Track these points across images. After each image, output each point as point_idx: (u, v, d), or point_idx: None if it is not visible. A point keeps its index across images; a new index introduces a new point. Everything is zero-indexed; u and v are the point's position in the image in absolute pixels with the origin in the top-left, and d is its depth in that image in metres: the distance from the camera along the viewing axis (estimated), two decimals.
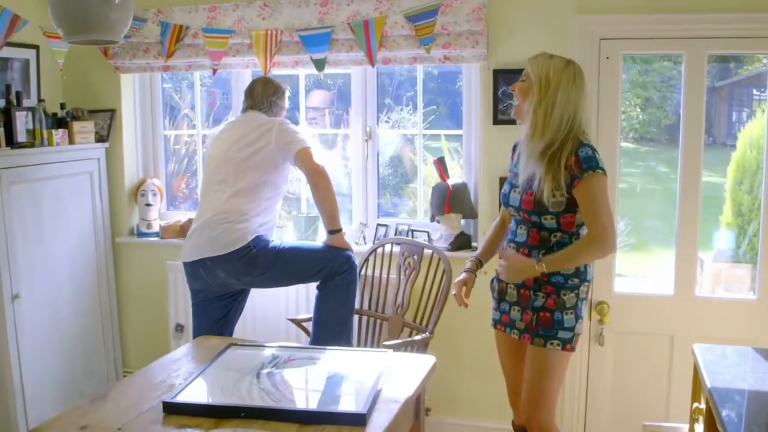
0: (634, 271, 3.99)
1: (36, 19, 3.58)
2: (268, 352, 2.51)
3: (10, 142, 3.36)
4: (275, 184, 3.19)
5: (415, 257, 3.41)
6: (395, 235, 3.70)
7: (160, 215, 4.14)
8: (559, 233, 2.46)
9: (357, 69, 3.73)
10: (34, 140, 3.50)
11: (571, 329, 2.48)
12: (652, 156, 4.12)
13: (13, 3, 3.38)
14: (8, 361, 3.34)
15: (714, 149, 3.78)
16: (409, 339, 3.20)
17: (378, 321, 3.52)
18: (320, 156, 3.29)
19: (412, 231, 3.67)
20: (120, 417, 2.04)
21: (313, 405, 2.13)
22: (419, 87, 3.74)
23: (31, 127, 3.48)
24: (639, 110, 4.01)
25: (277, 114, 3.34)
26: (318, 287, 3.21)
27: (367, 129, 3.79)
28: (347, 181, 3.97)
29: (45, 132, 3.54)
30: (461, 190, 3.53)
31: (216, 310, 3.25)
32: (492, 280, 2.72)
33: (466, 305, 2.70)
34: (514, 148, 2.72)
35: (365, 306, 3.57)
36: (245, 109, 3.35)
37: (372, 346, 3.47)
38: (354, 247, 3.36)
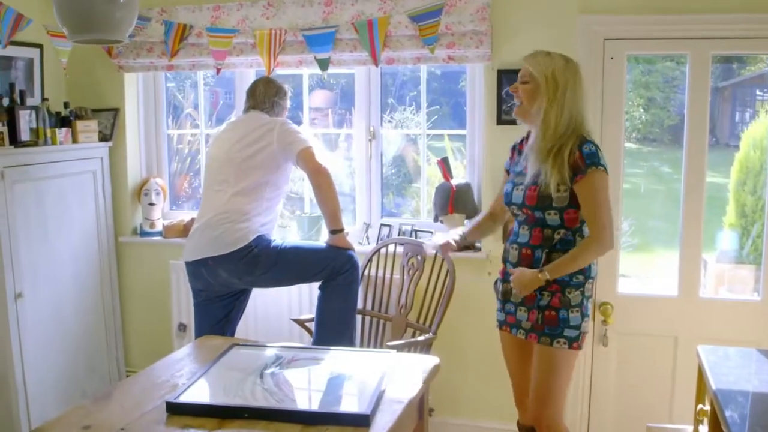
0: (637, 271, 3.98)
1: (40, 18, 3.58)
2: (271, 353, 2.51)
3: (14, 140, 3.36)
4: (277, 184, 3.19)
5: (419, 257, 3.41)
6: (399, 235, 3.70)
7: (163, 214, 4.14)
8: (562, 230, 2.46)
9: (361, 69, 3.73)
10: (37, 139, 3.50)
11: (577, 327, 2.48)
12: (655, 156, 4.11)
13: (17, 2, 3.38)
14: (11, 359, 3.34)
15: (717, 150, 3.78)
16: (413, 339, 3.19)
17: (381, 321, 3.51)
18: (322, 156, 3.29)
19: (416, 231, 3.67)
20: (123, 417, 2.04)
21: (316, 406, 2.13)
22: (423, 87, 3.74)
23: (34, 125, 3.48)
24: (642, 110, 4.01)
25: (279, 114, 3.34)
26: (320, 287, 3.21)
27: (371, 129, 3.78)
28: (350, 181, 3.97)
29: (48, 131, 3.55)
30: (465, 190, 3.52)
31: (218, 309, 3.25)
32: (496, 282, 2.72)
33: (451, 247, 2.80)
34: (513, 148, 2.72)
35: (368, 306, 3.56)
36: (247, 109, 3.35)
37: (375, 347, 3.47)
38: (357, 248, 3.36)
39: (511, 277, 2.53)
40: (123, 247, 4.14)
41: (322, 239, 3.60)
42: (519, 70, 2.54)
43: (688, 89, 3.20)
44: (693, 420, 2.48)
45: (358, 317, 3.42)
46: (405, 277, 3.44)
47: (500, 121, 3.39)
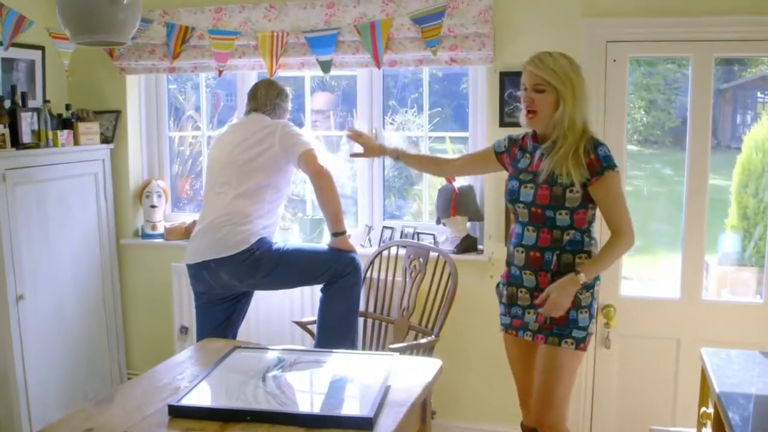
0: (640, 274, 3.97)
1: (42, 20, 3.59)
2: (273, 355, 2.50)
3: (16, 142, 3.36)
4: (278, 187, 3.19)
5: (421, 260, 3.40)
6: (401, 237, 3.70)
7: (164, 217, 4.14)
8: (572, 230, 2.46)
9: (363, 71, 3.73)
10: (39, 141, 3.50)
11: (585, 328, 2.48)
12: (656, 159, 4.11)
13: (19, 4, 3.39)
14: (12, 361, 3.34)
15: (719, 152, 3.77)
16: (415, 342, 3.18)
17: (383, 324, 3.51)
18: (324, 158, 3.28)
19: (418, 234, 3.66)
20: (125, 420, 2.03)
21: (318, 409, 2.12)
22: (425, 89, 3.74)
23: (36, 128, 3.48)
24: (643, 113, 4.00)
25: (280, 116, 3.34)
26: (322, 290, 3.20)
27: (373, 131, 3.78)
28: (352, 183, 3.96)
29: (50, 133, 3.55)
30: (467, 192, 3.52)
31: (219, 312, 3.24)
32: (497, 285, 2.71)
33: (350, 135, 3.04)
34: (514, 141, 2.68)
35: (371, 309, 3.56)
36: (249, 112, 3.34)
37: (377, 349, 3.46)
38: (360, 250, 3.36)
39: (546, 305, 2.41)
40: (124, 250, 4.14)
41: (323, 242, 3.60)
42: (521, 72, 2.52)
43: (690, 91, 3.20)
44: (696, 423, 2.47)
45: (360, 320, 3.41)
46: (407, 279, 3.44)
47: (503, 124, 3.39)
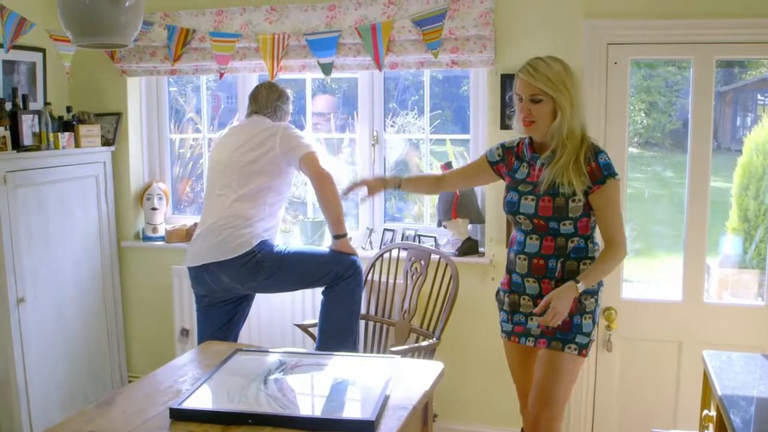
0: (641, 276, 3.97)
1: (43, 22, 3.59)
2: (274, 358, 2.50)
3: (17, 145, 3.36)
4: (279, 189, 3.18)
5: (422, 262, 3.40)
6: (402, 240, 3.69)
7: (165, 219, 4.14)
8: (576, 238, 2.46)
9: (364, 73, 3.73)
10: (40, 143, 3.49)
11: (588, 334, 2.48)
12: (656, 161, 4.11)
13: (20, 6, 3.39)
14: (13, 364, 3.33)
15: (719, 154, 3.77)
16: (416, 345, 3.18)
17: (384, 326, 3.50)
18: (325, 160, 3.28)
19: (419, 236, 3.66)
20: (126, 423, 2.03)
21: (320, 411, 2.11)
22: (426, 91, 3.74)
23: (37, 130, 3.48)
24: (643, 115, 4.00)
25: (281, 119, 3.34)
26: (323, 292, 3.20)
27: (374, 133, 3.78)
28: None
29: (51, 135, 3.54)
30: (468, 195, 3.52)
31: (220, 315, 3.24)
32: (497, 292, 2.69)
33: (348, 192, 2.92)
34: (509, 149, 2.63)
35: (372, 311, 3.56)
36: (250, 114, 3.34)
37: (378, 352, 3.46)
38: (361, 252, 3.35)
39: (547, 314, 2.37)
40: (125, 252, 4.14)
41: (325, 244, 3.59)
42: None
43: (691, 94, 3.20)
44: (698, 425, 2.46)
45: (362, 322, 3.41)
46: (408, 282, 3.44)
47: (504, 126, 3.39)
